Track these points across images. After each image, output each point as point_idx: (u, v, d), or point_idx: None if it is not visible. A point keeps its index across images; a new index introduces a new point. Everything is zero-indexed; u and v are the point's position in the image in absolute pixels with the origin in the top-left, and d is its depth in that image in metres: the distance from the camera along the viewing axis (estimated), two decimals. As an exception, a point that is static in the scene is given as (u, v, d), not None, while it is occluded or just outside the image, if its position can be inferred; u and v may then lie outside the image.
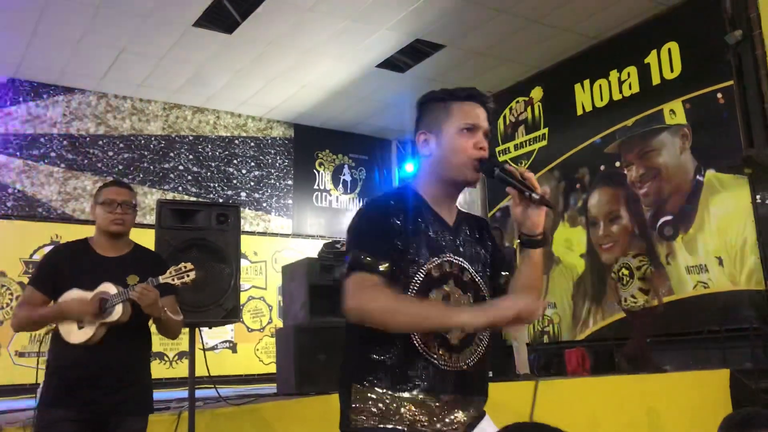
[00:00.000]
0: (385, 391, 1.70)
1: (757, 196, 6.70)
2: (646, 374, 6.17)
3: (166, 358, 8.65)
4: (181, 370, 8.37)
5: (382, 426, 1.68)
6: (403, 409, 1.69)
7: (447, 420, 1.72)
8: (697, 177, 7.18)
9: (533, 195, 1.74)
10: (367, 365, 1.73)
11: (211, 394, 4.44)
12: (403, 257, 1.73)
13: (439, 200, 1.85)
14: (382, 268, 1.68)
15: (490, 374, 1.83)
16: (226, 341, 9.31)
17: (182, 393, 5.09)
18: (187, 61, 8.50)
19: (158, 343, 3.04)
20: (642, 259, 7.62)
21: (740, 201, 6.79)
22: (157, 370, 2.88)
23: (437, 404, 1.71)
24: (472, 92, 1.86)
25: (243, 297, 9.16)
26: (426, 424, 1.70)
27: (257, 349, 9.55)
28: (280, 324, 8.90)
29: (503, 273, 1.91)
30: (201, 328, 3.98)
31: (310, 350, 4.67)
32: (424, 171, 1.88)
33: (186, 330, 3.93)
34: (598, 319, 8.02)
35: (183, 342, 5.97)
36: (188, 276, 2.83)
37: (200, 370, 3.93)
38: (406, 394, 1.69)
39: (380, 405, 1.70)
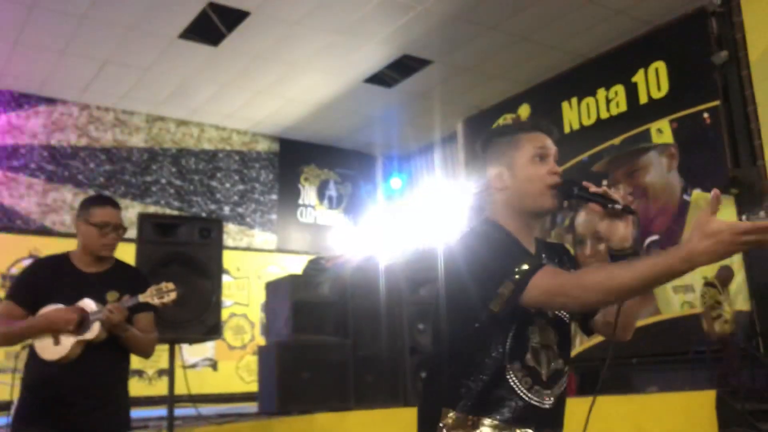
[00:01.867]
0: (471, 417, 1.70)
1: (743, 216, 6.69)
2: (632, 395, 6.12)
3: (145, 376, 8.48)
4: (161, 387, 8.18)
5: None
6: None
7: None
8: (684, 196, 7.19)
9: (616, 206, 1.75)
10: (458, 390, 1.73)
11: (191, 413, 4.35)
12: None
13: (520, 232, 1.84)
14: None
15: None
16: (206, 359, 9.16)
17: (161, 411, 4.98)
18: (172, 73, 8.42)
19: (137, 360, 2.95)
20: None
21: (726, 220, 6.78)
22: (136, 387, 2.79)
23: None
24: (536, 122, 1.89)
25: (225, 314, 9.03)
26: None
27: (239, 368, 9.40)
28: (262, 342, 8.77)
29: None
30: (181, 345, 3.89)
31: (293, 368, 4.60)
32: (500, 205, 1.86)
33: (166, 347, 3.84)
34: (584, 340, 7.98)
35: (162, 359, 5.85)
36: (169, 296, 2.77)
37: (180, 388, 3.83)
38: (489, 423, 1.70)
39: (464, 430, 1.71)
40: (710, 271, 6.86)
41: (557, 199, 1.80)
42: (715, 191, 1.46)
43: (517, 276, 1.61)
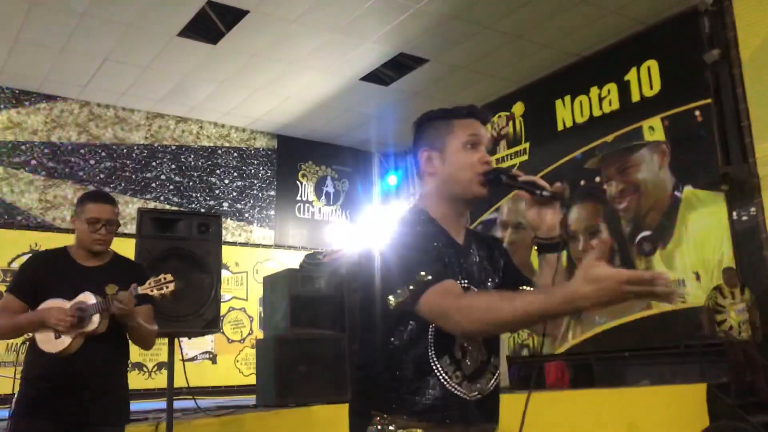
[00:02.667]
0: (401, 417, 1.66)
1: (734, 213, 6.80)
2: (624, 388, 6.21)
3: (145, 369, 8.58)
4: (160, 381, 8.29)
5: None
6: None
7: None
8: (675, 193, 7.27)
9: (544, 192, 1.72)
10: (386, 389, 1.69)
11: (190, 405, 4.42)
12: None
13: (449, 219, 1.81)
14: (444, 272, 1.64)
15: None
16: (206, 352, 9.26)
17: (161, 404, 5.06)
18: (171, 70, 8.49)
19: (137, 353, 3.00)
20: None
21: (717, 217, 6.89)
22: (136, 380, 2.84)
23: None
24: (472, 109, 1.85)
25: (224, 308, 9.12)
26: None
27: (237, 361, 9.50)
28: (260, 335, 8.87)
29: (522, 288, 1.83)
30: (180, 339, 3.96)
31: (290, 361, 4.67)
32: (431, 190, 1.84)
33: (165, 340, 3.91)
34: (578, 333, 8.07)
35: (162, 353, 5.94)
36: (167, 287, 2.80)
37: (179, 381, 3.91)
38: (421, 422, 1.66)
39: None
40: (700, 266, 6.97)
41: (486, 187, 1.77)
42: (605, 238, 1.49)
43: (412, 287, 1.57)
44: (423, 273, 1.58)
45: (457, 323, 1.55)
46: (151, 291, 2.77)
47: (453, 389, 1.66)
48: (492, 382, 1.74)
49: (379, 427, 1.67)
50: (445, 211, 1.81)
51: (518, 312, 1.46)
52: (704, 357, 6.46)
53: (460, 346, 1.67)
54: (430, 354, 1.66)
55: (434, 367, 1.66)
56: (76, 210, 2.96)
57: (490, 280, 1.83)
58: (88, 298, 2.74)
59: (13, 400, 2.80)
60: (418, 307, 1.58)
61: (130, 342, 2.93)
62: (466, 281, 1.75)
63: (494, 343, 1.76)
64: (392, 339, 1.68)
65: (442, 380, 1.66)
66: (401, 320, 1.67)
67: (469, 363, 1.68)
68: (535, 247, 1.80)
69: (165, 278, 2.80)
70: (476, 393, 1.69)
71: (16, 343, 7.43)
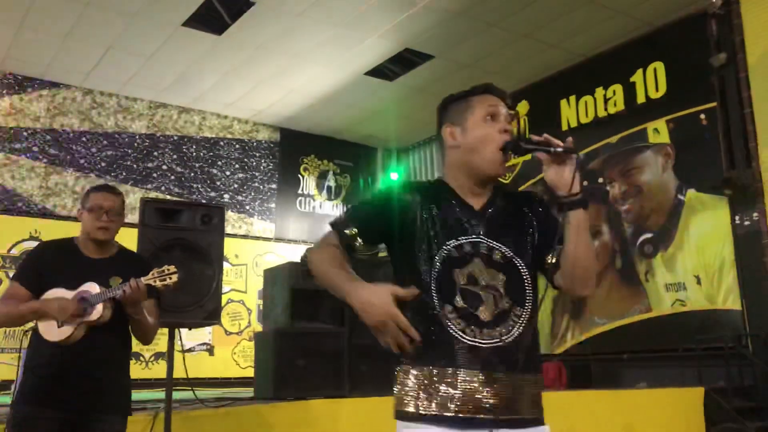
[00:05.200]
0: (419, 372, 1.76)
1: (736, 217, 6.79)
2: (622, 390, 6.21)
3: (142, 359, 8.57)
4: (157, 371, 8.29)
5: (423, 411, 1.73)
6: (441, 390, 1.73)
7: (494, 399, 1.72)
8: (678, 196, 7.26)
9: (556, 149, 1.80)
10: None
11: (187, 396, 4.41)
12: (420, 240, 1.83)
13: (465, 187, 1.92)
14: (347, 231, 1.87)
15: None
16: (203, 343, 9.25)
17: (157, 394, 5.06)
18: (175, 60, 8.47)
19: (135, 343, 3.01)
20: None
21: (720, 221, 6.88)
22: (133, 370, 2.83)
23: (475, 382, 1.72)
24: (488, 86, 1.96)
25: (222, 299, 9.09)
26: (467, 403, 1.72)
27: (235, 353, 9.50)
28: (259, 328, 8.86)
29: (554, 250, 1.87)
30: (180, 329, 3.95)
31: (289, 355, 4.67)
32: (452, 161, 1.95)
33: (165, 330, 3.90)
34: (576, 334, 8.07)
35: (160, 343, 5.92)
36: (171, 279, 2.80)
37: (178, 372, 3.90)
38: (441, 372, 1.74)
39: (417, 387, 1.75)
40: (701, 270, 6.96)
41: (507, 156, 1.87)
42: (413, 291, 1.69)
43: (340, 220, 1.93)
44: (349, 224, 1.89)
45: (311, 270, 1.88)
46: (154, 282, 2.77)
47: (456, 335, 1.74)
48: (515, 330, 1.78)
49: (406, 380, 1.78)
50: (464, 181, 1.92)
51: (328, 281, 1.80)
52: (702, 361, 6.46)
53: (462, 294, 1.78)
54: (434, 302, 1.77)
55: (438, 314, 1.76)
56: (81, 202, 2.98)
57: (517, 236, 1.89)
58: (92, 287, 2.76)
59: (14, 387, 2.81)
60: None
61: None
62: (491, 241, 1.84)
63: (519, 293, 1.82)
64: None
65: (447, 327, 1.75)
66: (398, 272, 1.88)
67: (484, 311, 1.77)
68: (558, 209, 1.84)
69: (168, 269, 2.80)
70: (495, 340, 1.75)
71: (15, 330, 7.43)
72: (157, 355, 8.60)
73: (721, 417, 5.70)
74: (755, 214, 6.67)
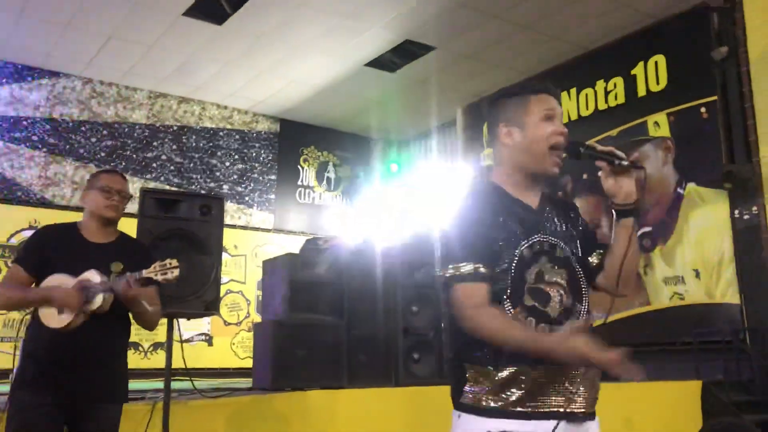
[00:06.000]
0: (493, 368, 1.79)
1: (736, 211, 6.79)
2: (620, 383, 6.22)
3: (140, 349, 8.59)
4: (155, 361, 8.31)
5: (495, 404, 1.78)
6: (515, 384, 1.78)
7: (564, 391, 1.79)
8: (678, 190, 7.25)
9: (623, 162, 1.87)
10: (474, 345, 1.82)
11: (186, 387, 4.42)
12: (500, 247, 1.85)
13: (520, 187, 1.95)
14: (484, 270, 1.81)
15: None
16: (202, 334, 9.26)
17: (155, 384, 5.06)
18: (176, 50, 8.44)
19: (133, 333, 3.02)
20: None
21: (719, 215, 6.88)
22: (132, 360, 2.84)
23: (546, 376, 1.78)
24: (546, 86, 1.99)
25: (221, 290, 9.10)
26: (539, 396, 1.77)
27: (233, 343, 9.51)
28: (257, 318, 8.87)
29: (597, 251, 2.01)
30: (179, 320, 3.95)
31: (288, 346, 4.66)
32: (506, 161, 1.98)
33: (164, 321, 3.91)
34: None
35: (158, 333, 5.94)
36: (172, 273, 2.80)
37: (176, 362, 3.90)
38: (514, 370, 1.78)
39: (489, 382, 1.79)
40: (700, 264, 6.96)
41: (563, 159, 1.92)
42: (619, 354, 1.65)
43: (452, 271, 1.83)
44: (466, 264, 1.81)
45: (465, 325, 1.81)
46: (156, 276, 2.78)
47: None
48: (582, 324, 1.85)
49: (475, 379, 1.82)
50: (519, 181, 1.96)
51: (510, 344, 1.74)
52: (700, 355, 6.48)
53: (530, 293, 1.84)
54: (506, 307, 1.82)
55: (510, 315, 1.82)
56: (87, 184, 3.00)
57: (570, 236, 1.96)
58: (93, 276, 2.76)
59: (13, 374, 2.82)
60: (449, 289, 1.84)
61: (132, 321, 2.96)
62: (552, 238, 1.90)
63: (577, 290, 1.91)
64: None
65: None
66: None
67: (552, 308, 1.84)
68: (613, 213, 1.93)
69: (170, 263, 2.81)
70: None
71: (14, 319, 7.43)
72: (156, 345, 8.61)
73: (718, 410, 5.71)
74: (755, 208, 6.67)
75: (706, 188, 7.04)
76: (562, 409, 1.77)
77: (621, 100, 7.96)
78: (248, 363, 5.84)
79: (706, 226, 6.98)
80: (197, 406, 3.92)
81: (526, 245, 1.86)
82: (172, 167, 9.64)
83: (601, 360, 1.62)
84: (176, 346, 3.81)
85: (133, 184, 8.94)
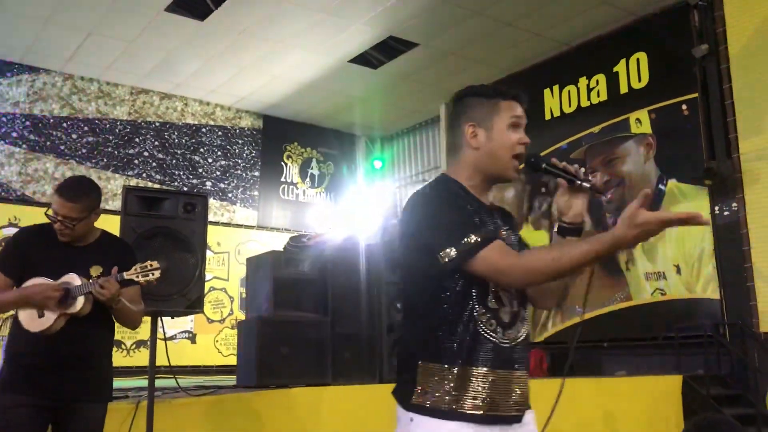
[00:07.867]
0: (450, 366, 1.77)
1: (716, 207, 6.86)
2: (602, 378, 6.27)
3: (123, 347, 8.53)
4: (138, 359, 8.26)
5: (453, 406, 1.75)
6: (472, 386, 1.76)
7: (513, 395, 1.80)
8: (659, 186, 7.32)
9: (584, 183, 1.86)
10: (433, 343, 1.79)
11: (170, 384, 4.40)
12: (478, 223, 1.83)
13: (478, 189, 1.93)
14: (487, 234, 1.76)
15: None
16: (185, 331, 9.22)
17: (138, 382, 5.04)
18: (157, 46, 8.38)
19: (116, 331, 3.00)
20: (602, 264, 7.73)
21: (699, 211, 6.88)
22: (114, 358, 2.83)
23: (500, 380, 1.79)
24: (516, 93, 1.97)
25: (205, 287, 9.07)
26: (495, 400, 1.77)
27: (217, 341, 9.47)
28: (241, 316, 8.84)
29: None
30: (162, 318, 3.93)
31: (272, 343, 4.66)
32: (467, 162, 1.94)
33: (147, 319, 3.89)
34: (557, 322, 8.14)
35: (141, 331, 5.90)
36: (153, 275, 2.79)
37: (160, 360, 3.89)
38: (473, 371, 1.77)
39: (446, 383, 1.77)
40: (681, 259, 7.04)
41: (520, 168, 1.91)
42: (645, 191, 1.62)
43: (460, 248, 1.72)
44: (472, 235, 1.73)
45: (515, 279, 1.74)
46: (137, 277, 2.76)
47: (489, 336, 1.78)
48: (522, 331, 1.86)
49: (430, 378, 1.78)
50: (477, 183, 1.93)
51: (576, 259, 1.66)
52: (681, 349, 6.55)
53: (494, 295, 1.80)
54: (471, 305, 1.78)
55: (475, 316, 1.78)
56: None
57: (516, 249, 1.92)
58: (73, 279, 2.74)
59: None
60: (472, 264, 1.72)
61: (115, 322, 2.93)
62: (506, 240, 1.87)
63: (521, 295, 1.88)
64: (440, 296, 1.79)
65: (480, 329, 1.78)
66: (448, 279, 1.79)
67: (505, 312, 1.82)
68: (556, 230, 1.92)
69: (151, 265, 2.79)
70: (511, 341, 1.82)
71: (-6, 317, 7.37)
72: (139, 343, 8.55)
73: (698, 404, 5.78)
74: (734, 205, 6.75)
75: (686, 184, 7.11)
76: (513, 413, 1.80)
77: (603, 97, 8.02)
78: (231, 360, 5.82)
79: (687, 222, 7.03)
80: (181, 404, 3.90)
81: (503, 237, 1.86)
82: (154, 164, 9.58)
83: (680, 215, 1.58)
84: (159, 343, 3.79)
85: (114, 180, 8.90)
